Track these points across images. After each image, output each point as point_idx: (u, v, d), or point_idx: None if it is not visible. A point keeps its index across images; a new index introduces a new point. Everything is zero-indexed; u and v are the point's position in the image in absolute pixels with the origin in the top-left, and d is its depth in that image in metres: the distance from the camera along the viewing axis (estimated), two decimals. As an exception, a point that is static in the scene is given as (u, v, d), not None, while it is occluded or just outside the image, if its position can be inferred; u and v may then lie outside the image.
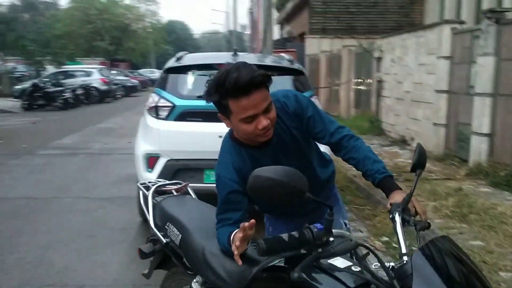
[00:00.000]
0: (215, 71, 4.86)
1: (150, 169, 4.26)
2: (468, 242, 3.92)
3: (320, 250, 1.37)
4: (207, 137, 3.91)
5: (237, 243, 1.49)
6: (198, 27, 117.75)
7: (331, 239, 1.38)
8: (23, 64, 28.29)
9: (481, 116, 6.17)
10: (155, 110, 4.24)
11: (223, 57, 4.83)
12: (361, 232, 4.61)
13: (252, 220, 1.51)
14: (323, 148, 2.04)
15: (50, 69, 26.53)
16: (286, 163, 1.87)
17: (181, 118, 4.20)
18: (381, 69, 10.19)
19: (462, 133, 6.87)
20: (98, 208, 5.30)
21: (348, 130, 1.91)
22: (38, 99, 17.58)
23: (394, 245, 4.20)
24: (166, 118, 4.20)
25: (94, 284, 3.46)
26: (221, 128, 1.94)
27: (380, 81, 10.22)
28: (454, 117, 7.17)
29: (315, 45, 17.69)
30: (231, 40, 28.48)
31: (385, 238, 4.38)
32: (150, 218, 2.17)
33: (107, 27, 33.03)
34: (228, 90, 1.58)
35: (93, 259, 3.88)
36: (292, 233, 1.37)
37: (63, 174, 7.04)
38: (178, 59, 4.65)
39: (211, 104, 1.71)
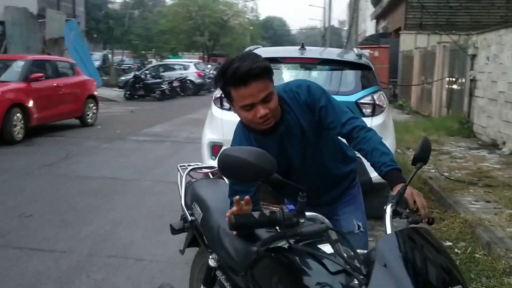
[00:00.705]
0: (281, 65, 4.93)
1: (213, 157, 4.47)
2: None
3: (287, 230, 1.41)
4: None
5: (228, 214, 1.58)
6: (296, 23, 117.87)
7: (302, 220, 1.41)
8: (129, 57, 30.51)
9: None
10: (219, 101, 4.44)
11: (290, 51, 4.90)
12: (424, 234, 4.43)
13: (247, 197, 1.59)
14: None
15: (154, 62, 28.28)
16: (291, 152, 1.92)
17: (245, 109, 4.34)
18: (475, 67, 9.54)
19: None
20: (171, 191, 5.63)
21: (361, 121, 1.90)
22: (138, 90, 18.90)
23: (456, 250, 4.01)
24: (230, 108, 4.36)
25: (151, 259, 3.73)
26: None
27: (473, 80, 9.58)
28: (551, 120, 6.55)
29: (410, 42, 16.96)
30: (325, 36, 28.23)
31: (448, 243, 4.18)
32: (182, 197, 2.33)
33: (206, 23, 34.38)
34: (228, 79, 1.68)
35: (156, 238, 4.16)
36: (265, 212, 1.43)
37: (147, 159, 7.57)
38: (246, 53, 4.79)
39: None
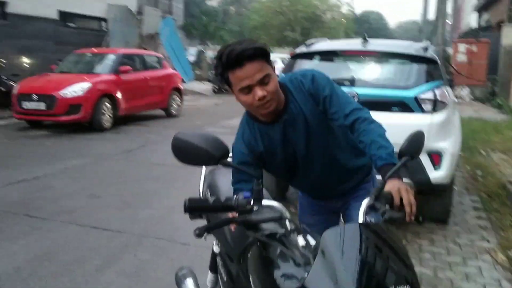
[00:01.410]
0: (340, 58, 4.82)
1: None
2: None
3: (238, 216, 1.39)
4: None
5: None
6: (395, 16, 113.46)
7: (255, 208, 1.38)
8: (222, 52, 31.33)
9: None
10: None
11: (351, 44, 4.75)
12: (488, 242, 4.09)
13: None
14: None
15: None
16: (295, 142, 1.88)
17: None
18: None
19: None
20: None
21: (365, 112, 1.80)
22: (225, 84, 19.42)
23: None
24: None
25: (196, 244, 3.84)
26: None
27: None
28: None
29: (515, 35, 15.55)
30: (422, 29, 26.86)
31: (513, 253, 3.82)
32: (201, 183, 2.38)
33: (298, 18, 34.27)
34: (224, 62, 1.68)
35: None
36: (219, 198, 1.42)
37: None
38: (308, 45, 4.73)
39: None
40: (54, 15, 14.96)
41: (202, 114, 12.58)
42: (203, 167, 2.48)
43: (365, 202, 1.46)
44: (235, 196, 1.41)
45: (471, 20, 30.92)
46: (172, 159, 6.18)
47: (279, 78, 1.83)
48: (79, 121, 9.09)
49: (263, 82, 1.68)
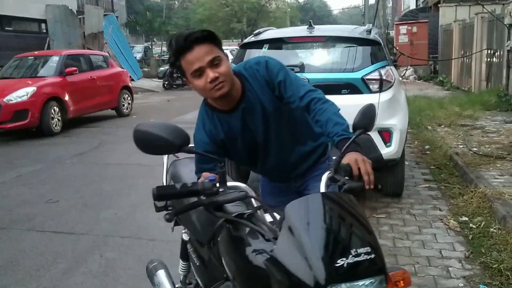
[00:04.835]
0: (288, 45, 4.92)
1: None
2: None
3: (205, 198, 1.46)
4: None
5: None
6: (338, 3, 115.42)
7: (221, 189, 1.45)
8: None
9: None
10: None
11: (297, 31, 4.87)
12: (440, 210, 4.35)
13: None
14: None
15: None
16: (254, 129, 1.95)
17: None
18: (512, 37, 9.09)
19: None
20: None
21: (319, 93, 1.89)
22: (176, 79, 19.21)
23: (471, 225, 3.92)
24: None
25: (163, 239, 3.86)
26: None
27: (511, 51, 9.13)
28: None
29: (450, 15, 16.27)
30: (365, 14, 27.53)
31: (464, 218, 4.09)
32: (164, 175, 2.42)
33: (243, 9, 34.36)
34: (174, 48, 1.73)
35: (171, 219, 4.31)
36: (186, 183, 1.48)
37: (175, 145, 7.75)
38: (256, 34, 4.81)
39: None
40: (-10, 20, 14.33)
41: (154, 111, 12.44)
42: (164, 159, 2.51)
43: (325, 175, 1.55)
44: (200, 180, 1.47)
45: (411, 2, 31.99)
46: (128, 158, 6.15)
47: (232, 68, 1.89)
48: (27, 127, 8.79)
49: (213, 63, 1.73)
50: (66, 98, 9.44)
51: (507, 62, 9.36)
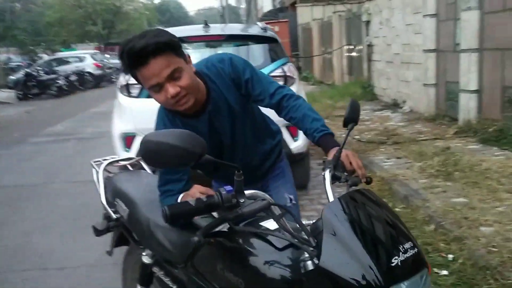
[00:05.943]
0: (185, 44, 4.75)
1: (127, 149, 4.22)
2: (451, 199, 3.88)
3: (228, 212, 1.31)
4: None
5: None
6: (193, 4, 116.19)
7: (242, 200, 1.31)
8: (16, 55, 28.12)
9: (468, 73, 6.06)
10: (126, 89, 4.18)
11: (194, 30, 4.73)
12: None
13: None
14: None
15: (45, 57, 26.33)
16: (222, 131, 1.82)
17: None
18: (370, 33, 10.01)
19: (452, 91, 6.77)
20: (84, 191, 5.27)
21: (288, 89, 1.84)
22: (32, 88, 17.51)
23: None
24: (138, 95, 4.13)
25: (75, 265, 3.46)
26: None
27: (370, 46, 10.05)
28: (443, 76, 7.05)
29: (307, 14, 17.39)
30: (224, 15, 28.08)
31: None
32: (102, 194, 2.14)
33: (98, 11, 32.62)
34: (126, 62, 1.52)
35: (77, 243, 3.87)
36: (201, 197, 1.32)
37: (52, 161, 7.04)
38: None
39: None
40: None
41: (15, 125, 11.15)
42: (100, 175, 2.22)
43: (327, 173, 1.49)
44: (216, 192, 1.29)
45: (264, 2, 33.44)
46: (4, 181, 5.42)
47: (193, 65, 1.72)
48: None
49: (173, 77, 1.55)
50: None
51: (367, 55, 10.28)
